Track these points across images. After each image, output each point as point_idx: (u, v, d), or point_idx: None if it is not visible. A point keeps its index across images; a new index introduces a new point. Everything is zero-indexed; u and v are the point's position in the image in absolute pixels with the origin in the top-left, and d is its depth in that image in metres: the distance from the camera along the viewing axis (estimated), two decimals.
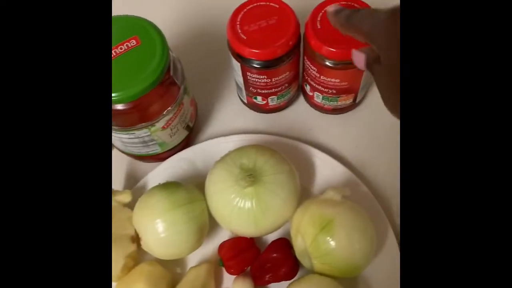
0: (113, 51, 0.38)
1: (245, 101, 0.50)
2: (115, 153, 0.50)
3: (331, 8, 0.34)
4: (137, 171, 0.49)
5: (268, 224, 0.39)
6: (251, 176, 0.38)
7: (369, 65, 0.32)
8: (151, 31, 0.38)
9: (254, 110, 0.51)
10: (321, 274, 0.37)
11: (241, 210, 0.38)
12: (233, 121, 0.51)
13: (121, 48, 0.38)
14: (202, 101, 0.52)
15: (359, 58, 0.32)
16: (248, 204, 0.38)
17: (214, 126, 0.51)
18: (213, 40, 0.55)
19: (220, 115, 0.52)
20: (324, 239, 0.36)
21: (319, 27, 0.41)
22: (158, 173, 0.46)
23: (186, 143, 0.48)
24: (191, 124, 0.47)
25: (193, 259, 0.43)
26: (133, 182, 0.48)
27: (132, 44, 0.38)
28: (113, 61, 0.37)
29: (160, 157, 0.47)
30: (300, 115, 0.51)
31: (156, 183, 0.44)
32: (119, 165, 0.49)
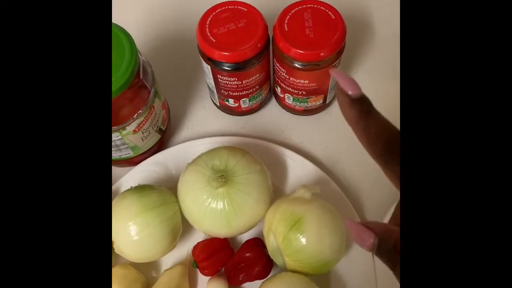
0: None
1: (218, 104, 0.51)
2: None
3: (347, 85, 0.24)
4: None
5: (240, 224, 0.39)
6: (223, 177, 0.38)
7: (387, 253, 0.23)
8: (120, 34, 0.39)
9: (227, 113, 0.52)
10: (293, 271, 0.38)
11: (214, 211, 0.38)
12: (206, 124, 0.52)
13: None
14: (174, 105, 0.52)
15: (361, 234, 0.23)
16: (220, 205, 0.38)
17: (187, 129, 0.52)
18: (185, 43, 0.56)
19: (193, 118, 0.52)
20: (295, 236, 0.37)
21: (286, 29, 0.42)
22: (131, 177, 0.46)
23: (159, 146, 0.48)
24: (163, 128, 0.47)
25: (167, 262, 0.43)
26: None
27: None
28: None
29: (133, 161, 0.47)
30: (273, 117, 0.52)
31: (129, 187, 0.44)
32: None
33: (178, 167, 0.47)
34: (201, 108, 0.53)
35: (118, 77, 0.37)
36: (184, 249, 0.44)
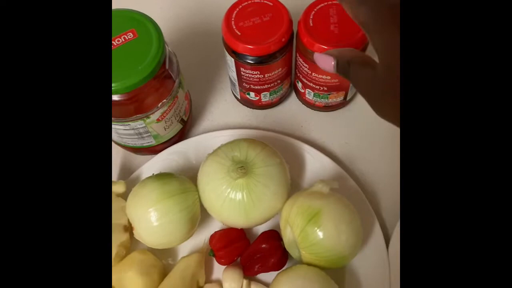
0: None
1: (238, 96, 0.51)
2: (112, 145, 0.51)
3: None
4: (131, 163, 0.50)
5: (258, 216, 0.40)
6: (242, 168, 0.39)
7: (342, 68, 0.31)
8: (148, 25, 0.39)
9: (247, 106, 0.52)
10: (308, 264, 0.38)
11: (232, 201, 0.39)
12: (226, 116, 0.52)
13: (118, 41, 0.39)
14: (196, 96, 0.53)
15: (326, 60, 0.31)
16: (239, 196, 0.39)
17: (207, 120, 0.52)
18: (209, 36, 0.56)
19: (214, 110, 0.53)
20: (312, 230, 0.37)
21: (311, 25, 0.42)
22: (152, 165, 0.47)
23: (180, 136, 0.49)
24: (185, 118, 0.48)
25: (184, 249, 0.44)
26: (127, 173, 0.49)
27: (129, 37, 0.39)
28: None
29: (154, 150, 0.48)
30: (292, 112, 0.52)
31: (149, 175, 0.45)
32: (114, 157, 0.50)
33: (198, 157, 0.47)
34: (222, 100, 0.53)
35: (145, 66, 0.38)
36: (201, 238, 0.44)
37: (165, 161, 0.48)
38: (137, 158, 0.50)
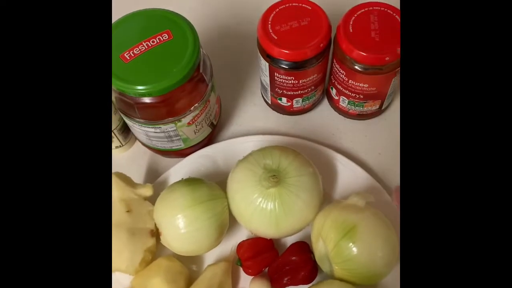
0: (144, 44, 0.38)
1: (269, 101, 0.50)
2: (137, 147, 0.50)
3: None
4: (158, 166, 0.49)
5: (289, 226, 0.38)
6: (275, 177, 0.37)
7: None
8: (184, 26, 0.38)
9: (278, 112, 0.51)
10: (341, 279, 0.37)
11: (263, 211, 0.38)
12: (255, 121, 0.51)
13: (153, 41, 0.38)
14: (225, 99, 0.52)
15: None
16: (270, 205, 0.37)
17: (236, 125, 0.51)
18: (242, 38, 0.55)
19: (243, 115, 0.52)
20: (346, 245, 0.35)
21: (351, 30, 0.40)
22: (180, 169, 0.46)
23: (209, 140, 0.48)
24: (215, 122, 0.47)
25: (210, 257, 0.43)
26: (154, 176, 0.48)
27: (164, 38, 0.38)
28: (144, 54, 0.37)
29: (182, 153, 0.47)
30: (324, 119, 0.50)
31: (177, 179, 0.44)
32: (141, 159, 0.49)
33: (226, 162, 0.46)
34: (251, 105, 0.52)
35: (180, 69, 0.37)
36: (227, 246, 0.43)
37: (193, 165, 0.47)
38: (164, 160, 0.49)
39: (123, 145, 0.48)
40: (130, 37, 0.38)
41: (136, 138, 0.50)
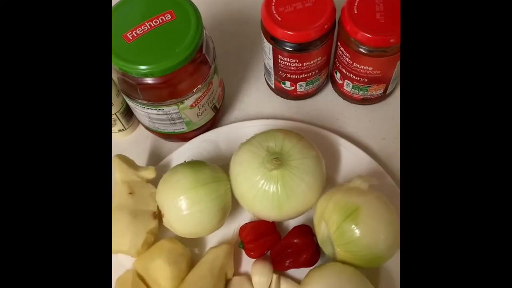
0: (147, 24, 0.37)
1: (273, 86, 0.49)
2: (140, 131, 0.50)
3: None
4: (161, 150, 0.49)
5: (291, 209, 0.38)
6: (278, 160, 0.37)
7: None
8: (187, 6, 0.38)
9: (281, 96, 0.51)
10: (343, 262, 0.37)
11: (266, 193, 0.37)
12: (259, 106, 0.51)
13: (156, 22, 0.37)
14: (228, 84, 0.51)
15: None
16: (273, 188, 0.37)
17: (239, 110, 0.51)
18: (246, 23, 0.55)
19: (246, 99, 0.51)
20: (349, 227, 0.35)
21: (355, 12, 0.40)
22: (182, 152, 0.46)
23: (212, 124, 0.48)
24: (217, 105, 0.47)
25: (212, 240, 0.43)
26: (156, 160, 0.48)
27: (167, 18, 0.38)
28: (146, 34, 0.37)
29: (185, 137, 0.47)
30: (328, 104, 0.50)
31: (180, 162, 0.44)
32: (144, 142, 0.49)
33: (229, 146, 0.46)
34: (254, 89, 0.52)
35: (182, 50, 0.36)
36: (230, 229, 0.43)
37: (196, 149, 0.47)
38: (166, 144, 0.49)
39: (126, 129, 0.48)
40: (133, 17, 0.38)
41: (139, 122, 0.49)
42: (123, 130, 0.48)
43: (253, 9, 0.53)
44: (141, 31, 0.37)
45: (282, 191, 0.37)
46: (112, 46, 0.36)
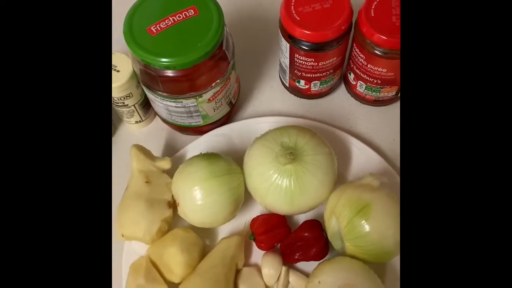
0: (170, 19, 0.39)
1: (287, 84, 0.51)
2: (156, 123, 0.51)
3: None
4: (176, 142, 0.50)
5: (303, 203, 0.39)
6: (291, 154, 0.38)
7: None
8: (210, 3, 0.39)
9: (294, 94, 0.52)
10: (352, 256, 0.38)
11: (278, 187, 0.38)
12: (271, 103, 0.52)
13: (179, 17, 0.39)
14: (243, 81, 0.52)
15: None
16: (286, 182, 0.38)
17: (253, 106, 0.52)
18: (264, 22, 0.56)
19: (260, 96, 0.53)
20: (359, 222, 0.36)
21: (372, 15, 0.41)
22: (197, 145, 0.47)
23: (226, 119, 0.49)
24: (233, 101, 0.48)
25: (223, 231, 0.44)
26: (171, 151, 0.49)
27: (190, 14, 0.39)
28: (170, 28, 0.38)
29: (200, 130, 0.48)
30: (340, 104, 0.51)
31: (194, 154, 0.45)
32: (159, 135, 0.50)
33: (242, 141, 0.47)
34: (268, 87, 0.53)
35: (203, 45, 0.38)
36: (240, 221, 0.44)
37: (210, 143, 0.48)
38: (181, 137, 0.50)
39: (142, 120, 0.49)
40: (157, 11, 0.39)
41: (155, 114, 0.51)
42: (140, 121, 0.49)
43: (271, 8, 0.55)
44: (164, 25, 0.38)
45: (295, 185, 0.38)
46: (136, 38, 0.38)
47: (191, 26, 0.38)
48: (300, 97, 0.52)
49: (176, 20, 0.39)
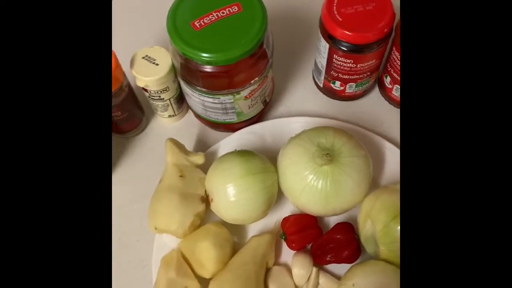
0: (214, 14, 0.39)
1: (321, 85, 0.50)
2: (187, 118, 0.51)
3: None
4: (207, 138, 0.50)
5: (338, 205, 0.39)
6: (328, 155, 0.38)
7: None
8: (254, 0, 0.39)
9: (328, 96, 0.51)
10: (385, 261, 0.37)
11: (314, 188, 0.38)
12: (304, 103, 0.52)
13: (222, 12, 0.39)
14: (277, 79, 0.52)
15: None
16: (322, 183, 0.38)
17: (285, 105, 0.52)
18: (301, 19, 0.56)
19: (292, 96, 0.52)
20: (395, 227, 0.36)
21: None
22: (229, 142, 0.47)
23: (259, 117, 0.49)
24: (267, 99, 0.48)
25: (252, 229, 0.44)
26: (202, 147, 0.49)
27: (234, 10, 0.39)
28: (213, 24, 0.38)
29: (232, 127, 0.48)
30: (374, 107, 0.51)
31: (226, 151, 0.45)
32: (190, 129, 0.51)
33: (274, 140, 0.47)
34: (300, 87, 0.53)
35: (246, 42, 0.38)
36: (270, 220, 0.44)
37: (241, 140, 0.48)
38: (212, 133, 0.50)
39: (175, 115, 0.50)
40: (201, 6, 0.39)
41: (187, 110, 0.51)
42: (173, 116, 0.49)
43: (310, 7, 0.55)
44: (208, 20, 0.38)
45: (331, 187, 0.38)
46: (179, 32, 0.38)
47: (234, 23, 0.38)
48: (333, 98, 0.51)
49: (219, 16, 0.39)
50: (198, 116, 0.48)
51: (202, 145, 0.50)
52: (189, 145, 0.50)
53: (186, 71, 0.41)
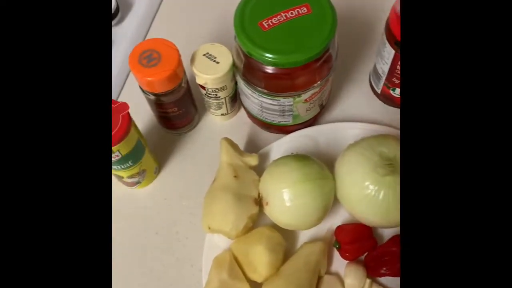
0: (283, 15, 0.38)
1: (378, 91, 0.49)
2: (238, 117, 0.51)
3: None
4: (257, 139, 0.50)
5: (398, 217, 0.38)
6: (391, 166, 0.37)
7: None
8: (324, 2, 0.38)
9: (384, 102, 0.50)
10: None
11: (374, 198, 0.37)
12: (359, 109, 0.50)
13: (291, 13, 0.38)
14: (334, 82, 0.51)
15: None
16: (383, 194, 0.37)
17: (340, 110, 0.51)
18: (364, 24, 0.54)
19: (347, 101, 0.51)
20: None
21: None
22: (282, 144, 0.47)
23: (314, 121, 0.48)
24: (324, 103, 0.47)
25: (303, 236, 0.43)
26: (253, 147, 0.49)
27: (303, 12, 0.38)
28: (281, 25, 0.37)
29: (285, 129, 0.47)
30: None
31: (279, 153, 0.44)
32: (241, 129, 0.50)
33: (328, 145, 0.46)
34: (357, 92, 0.52)
35: (314, 46, 0.37)
36: (321, 227, 0.43)
37: (294, 143, 0.47)
38: (263, 133, 0.50)
39: (228, 114, 0.49)
40: (270, 6, 0.38)
41: (239, 108, 0.50)
42: (225, 114, 0.49)
43: (373, 12, 0.53)
44: (276, 20, 0.38)
45: (393, 199, 0.37)
46: (247, 31, 0.37)
47: (303, 24, 0.37)
48: (390, 105, 0.50)
49: (288, 16, 0.38)
50: (251, 116, 0.48)
51: (253, 145, 0.49)
52: (240, 145, 0.49)
53: (248, 71, 0.40)
